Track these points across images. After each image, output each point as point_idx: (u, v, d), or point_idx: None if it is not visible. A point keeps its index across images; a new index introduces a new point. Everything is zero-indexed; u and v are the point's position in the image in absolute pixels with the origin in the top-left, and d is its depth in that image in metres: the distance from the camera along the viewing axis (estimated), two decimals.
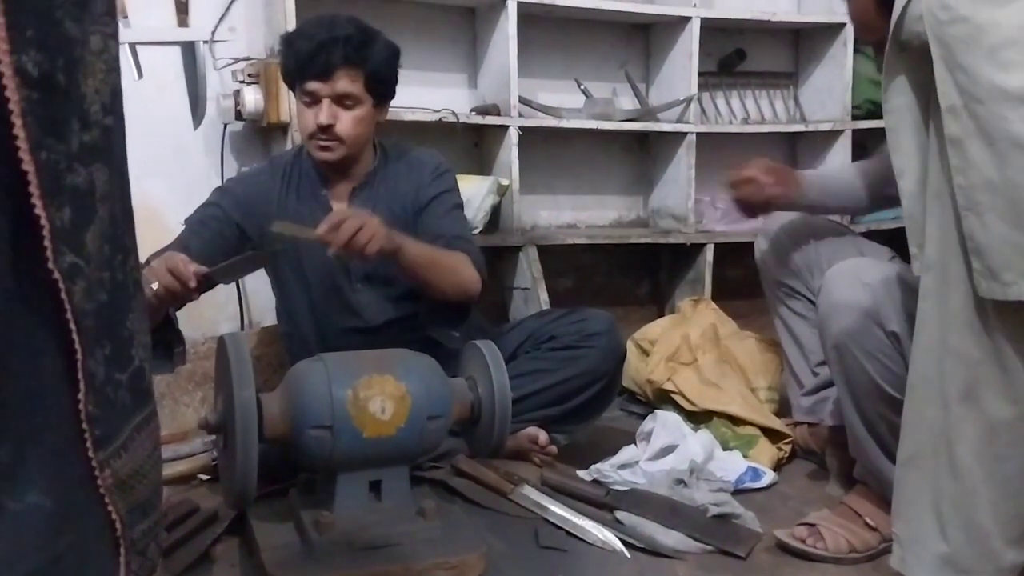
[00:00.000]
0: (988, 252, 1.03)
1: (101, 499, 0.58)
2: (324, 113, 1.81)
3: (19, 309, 0.52)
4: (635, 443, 1.92)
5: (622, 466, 1.84)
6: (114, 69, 0.57)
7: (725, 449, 1.94)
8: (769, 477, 1.87)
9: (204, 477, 1.83)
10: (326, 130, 1.82)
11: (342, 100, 1.82)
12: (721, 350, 2.30)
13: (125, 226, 0.60)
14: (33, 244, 0.52)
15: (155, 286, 1.47)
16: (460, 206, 2.01)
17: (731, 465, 1.86)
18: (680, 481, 1.72)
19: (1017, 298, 1.02)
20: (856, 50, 3.16)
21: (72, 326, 0.54)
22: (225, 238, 1.86)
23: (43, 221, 0.51)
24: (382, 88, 1.87)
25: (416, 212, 1.93)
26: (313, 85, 1.80)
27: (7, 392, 0.52)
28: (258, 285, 2.06)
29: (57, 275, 0.53)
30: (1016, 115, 1.00)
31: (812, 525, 1.57)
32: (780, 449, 2.00)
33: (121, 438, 0.59)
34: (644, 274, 3.28)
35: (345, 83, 1.80)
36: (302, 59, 1.79)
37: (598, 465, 1.85)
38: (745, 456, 1.93)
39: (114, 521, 0.59)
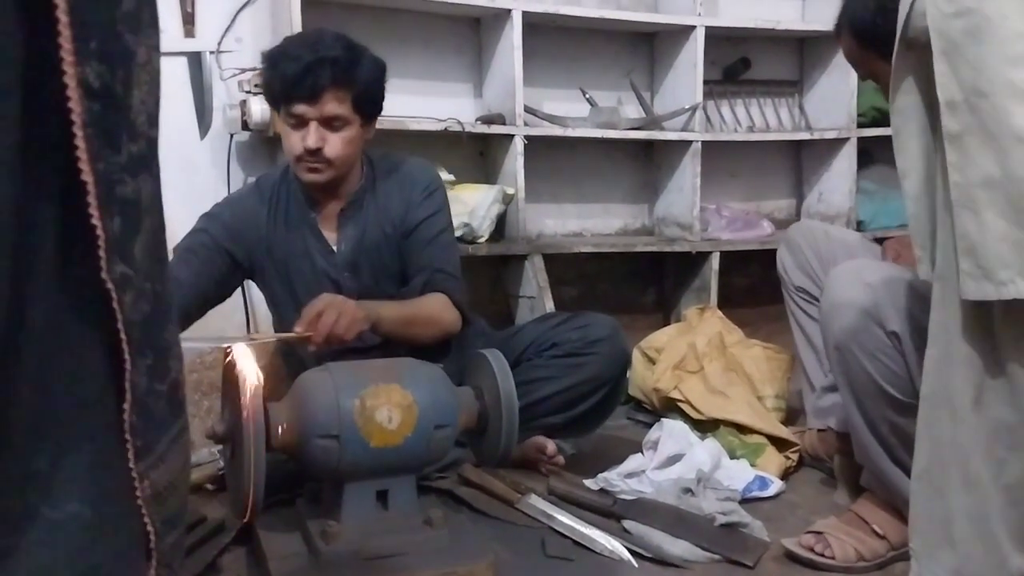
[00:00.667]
0: (982, 250, 1.03)
1: (138, 510, 0.58)
2: (312, 136, 1.77)
3: (65, 318, 0.53)
4: (642, 452, 1.91)
5: (629, 475, 1.83)
6: (156, 81, 0.57)
7: (732, 458, 1.93)
8: (777, 486, 1.87)
9: (210, 487, 1.83)
10: (314, 153, 1.78)
11: (330, 122, 1.78)
12: (727, 358, 2.30)
13: (162, 237, 0.61)
14: (81, 253, 0.52)
15: None
16: (447, 228, 1.99)
17: (738, 474, 1.85)
18: (687, 490, 1.72)
19: (1014, 296, 1.01)
20: None
21: (122, 336, 0.54)
22: (215, 265, 1.85)
23: (99, 231, 0.52)
24: (370, 107, 1.84)
25: (404, 233, 1.92)
26: (300, 108, 1.76)
27: (49, 401, 0.53)
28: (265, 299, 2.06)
29: (110, 285, 0.53)
30: (1021, 110, 1.00)
31: (819, 533, 1.56)
32: (787, 458, 2.00)
33: (159, 449, 0.60)
34: (650, 282, 3.28)
35: (333, 105, 1.76)
36: (288, 81, 1.74)
37: (605, 474, 1.85)
38: (752, 465, 1.92)
39: (148, 533, 0.59)
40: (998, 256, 1.02)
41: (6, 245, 0.49)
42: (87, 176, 0.51)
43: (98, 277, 0.53)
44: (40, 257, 0.52)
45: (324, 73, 1.74)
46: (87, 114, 0.50)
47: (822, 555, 1.54)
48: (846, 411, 1.62)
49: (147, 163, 0.56)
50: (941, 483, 1.14)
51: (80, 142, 0.50)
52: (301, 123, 1.78)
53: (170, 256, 1.79)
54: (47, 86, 0.49)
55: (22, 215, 0.50)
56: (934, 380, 1.16)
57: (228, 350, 1.43)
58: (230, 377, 1.42)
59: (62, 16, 0.48)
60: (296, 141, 1.79)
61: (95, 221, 0.52)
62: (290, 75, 1.74)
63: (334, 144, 1.79)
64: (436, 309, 1.86)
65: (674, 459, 1.84)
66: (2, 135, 0.47)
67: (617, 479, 1.82)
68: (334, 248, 1.91)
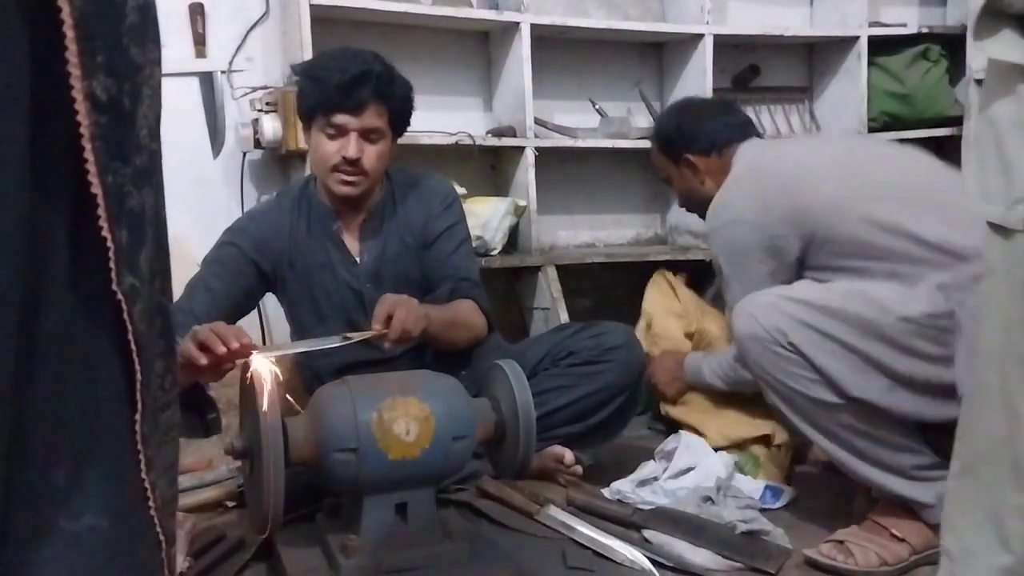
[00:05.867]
0: None
1: (152, 520, 0.58)
2: (352, 147, 1.82)
3: (78, 330, 0.53)
4: (654, 460, 1.90)
5: (641, 483, 1.82)
6: (158, 95, 0.58)
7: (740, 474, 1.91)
8: (787, 494, 1.85)
9: (230, 504, 1.83)
10: (353, 163, 1.83)
11: (368, 134, 1.83)
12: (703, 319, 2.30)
13: (164, 250, 0.61)
14: (91, 266, 0.53)
15: (204, 360, 1.45)
16: (467, 238, 2.05)
17: (748, 488, 1.84)
18: (707, 499, 1.71)
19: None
20: (871, 63, 3.15)
21: (133, 347, 0.55)
22: (244, 276, 1.89)
23: (109, 243, 0.52)
24: (402, 123, 1.91)
25: (425, 244, 1.97)
26: (342, 118, 1.81)
27: (64, 413, 0.53)
28: (281, 312, 2.07)
29: (120, 296, 0.53)
30: None
31: (840, 543, 1.55)
32: (778, 448, 1.93)
33: (162, 460, 0.60)
34: None
35: (373, 118, 1.82)
36: (332, 92, 1.79)
37: (617, 484, 1.84)
38: (755, 477, 1.90)
39: (161, 542, 0.59)
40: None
41: (18, 256, 0.49)
42: (96, 188, 0.51)
43: (108, 289, 0.53)
44: (52, 270, 0.52)
45: (369, 85, 1.80)
46: (95, 127, 0.51)
47: (845, 562, 1.52)
48: (810, 438, 1.63)
49: (150, 176, 0.57)
50: (991, 480, 1.10)
51: (89, 155, 0.51)
52: (341, 133, 1.82)
53: (187, 269, 1.82)
54: (55, 99, 0.50)
55: (33, 228, 0.50)
56: (983, 376, 1.11)
57: (247, 365, 1.43)
58: (248, 393, 1.43)
59: (69, 31, 0.49)
60: (333, 151, 1.83)
61: (105, 233, 0.52)
62: (335, 86, 1.79)
63: (370, 156, 1.85)
64: (470, 315, 1.93)
65: (688, 471, 1.83)
66: (8, 145, 0.48)
67: (629, 489, 1.81)
68: (357, 259, 1.94)
